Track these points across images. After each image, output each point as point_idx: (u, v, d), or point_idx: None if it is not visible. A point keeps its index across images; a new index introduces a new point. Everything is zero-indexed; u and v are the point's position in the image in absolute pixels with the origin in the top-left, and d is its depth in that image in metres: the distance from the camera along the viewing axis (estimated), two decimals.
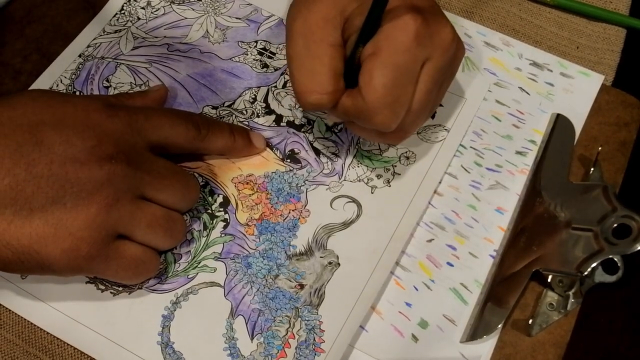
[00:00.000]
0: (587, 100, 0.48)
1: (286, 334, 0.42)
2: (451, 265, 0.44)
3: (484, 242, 0.45)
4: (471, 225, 0.45)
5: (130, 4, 0.52)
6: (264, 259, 0.44)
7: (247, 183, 0.46)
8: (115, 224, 0.37)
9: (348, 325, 0.42)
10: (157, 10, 0.52)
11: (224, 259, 0.44)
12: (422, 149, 0.47)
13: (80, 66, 0.50)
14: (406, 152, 0.47)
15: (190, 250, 0.44)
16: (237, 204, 0.45)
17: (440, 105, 0.48)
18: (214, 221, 0.45)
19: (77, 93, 0.49)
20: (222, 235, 0.44)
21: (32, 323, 0.43)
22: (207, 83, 0.49)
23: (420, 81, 0.39)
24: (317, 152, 0.47)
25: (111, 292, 0.43)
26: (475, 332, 0.42)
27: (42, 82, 0.49)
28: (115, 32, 0.51)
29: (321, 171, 0.46)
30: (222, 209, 0.45)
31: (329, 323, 0.42)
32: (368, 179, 0.46)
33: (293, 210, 0.45)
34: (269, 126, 0.48)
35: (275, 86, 0.49)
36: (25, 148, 0.36)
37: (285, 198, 0.45)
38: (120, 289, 0.43)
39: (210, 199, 0.45)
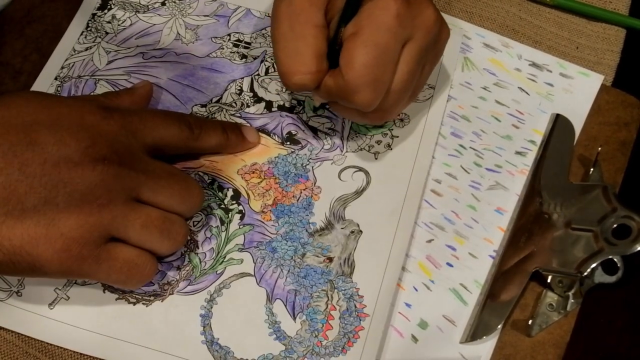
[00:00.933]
0: (587, 101, 0.48)
1: (327, 307, 0.42)
2: (451, 265, 0.44)
3: (484, 243, 0.45)
4: (471, 226, 0.45)
5: (95, 20, 0.51)
6: (287, 241, 0.44)
7: (254, 172, 0.46)
8: (108, 226, 0.37)
9: (385, 285, 0.43)
10: (123, 22, 0.51)
11: (248, 249, 0.44)
12: (413, 110, 0.48)
13: (59, 88, 0.49)
14: (399, 114, 0.48)
15: (213, 247, 0.44)
16: (248, 194, 0.45)
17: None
18: (230, 215, 0.45)
19: None
20: (241, 226, 0.45)
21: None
22: (190, 83, 0.49)
23: (401, 61, 0.39)
24: (314, 130, 0.47)
25: (143, 303, 0.43)
26: (475, 333, 0.42)
27: None
28: (86, 49, 0.50)
29: (322, 147, 0.47)
30: (234, 202, 0.45)
31: (366, 288, 0.43)
32: (369, 147, 0.47)
33: (304, 190, 0.46)
34: (261, 114, 0.48)
35: (258, 74, 0.49)
36: (19, 148, 0.36)
37: (294, 179, 0.46)
38: (152, 298, 0.43)
39: (220, 194, 0.46)
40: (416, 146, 0.47)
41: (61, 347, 0.42)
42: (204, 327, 0.42)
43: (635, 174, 0.45)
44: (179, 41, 0.50)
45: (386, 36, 0.38)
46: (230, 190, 0.46)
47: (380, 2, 0.38)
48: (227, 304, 0.43)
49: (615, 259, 0.42)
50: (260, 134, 0.47)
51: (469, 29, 0.51)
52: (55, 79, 0.49)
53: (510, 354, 0.42)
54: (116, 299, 0.43)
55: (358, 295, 0.43)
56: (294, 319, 0.42)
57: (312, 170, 0.46)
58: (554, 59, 0.50)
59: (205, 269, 0.44)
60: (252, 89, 0.49)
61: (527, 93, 0.49)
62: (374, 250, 0.44)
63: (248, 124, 0.48)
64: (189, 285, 0.43)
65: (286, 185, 0.46)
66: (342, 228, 0.45)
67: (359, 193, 0.45)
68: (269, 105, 0.48)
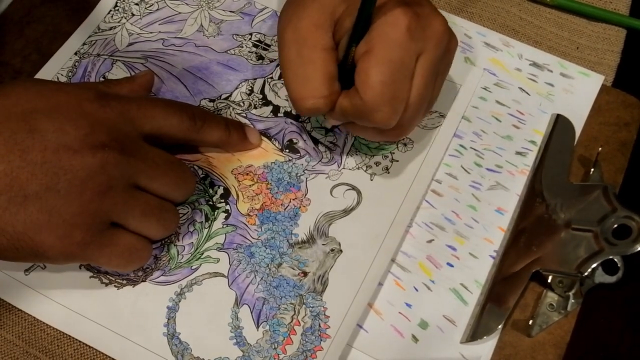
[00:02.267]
0: (587, 101, 0.48)
1: (291, 321, 0.42)
2: (451, 265, 0.44)
3: (484, 243, 0.45)
4: (471, 226, 0.45)
5: (123, 1, 0.52)
6: (266, 248, 0.44)
7: (247, 174, 0.46)
8: (109, 212, 0.37)
9: (352, 310, 0.42)
10: (150, 6, 0.52)
11: (226, 250, 0.44)
12: (419, 136, 0.47)
13: (77, 64, 0.50)
14: (403, 139, 0.47)
15: (192, 242, 0.44)
16: (237, 194, 0.45)
17: None
18: (216, 212, 0.45)
19: None
20: (224, 226, 0.45)
21: (32, 324, 0.43)
22: (203, 76, 0.49)
23: (416, 75, 0.39)
24: (316, 142, 0.47)
25: (115, 286, 0.43)
26: (475, 333, 0.42)
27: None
28: (110, 29, 0.51)
29: (320, 160, 0.47)
30: (223, 200, 0.45)
31: (333, 309, 0.42)
32: (367, 167, 0.46)
33: (294, 200, 0.45)
34: (267, 117, 0.48)
35: (272, 77, 0.49)
36: (19, 135, 0.36)
37: (286, 187, 0.46)
38: (124, 282, 0.43)
39: (211, 190, 0.46)
40: (414, 174, 0.46)
41: (61, 348, 0.42)
42: (168, 319, 0.42)
43: (635, 174, 0.45)
44: (201, 33, 0.51)
45: (400, 52, 0.37)
46: (221, 188, 0.46)
47: (390, 18, 0.37)
48: (195, 301, 0.43)
49: (615, 259, 0.42)
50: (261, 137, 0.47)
51: (469, 28, 0.51)
52: (75, 54, 0.50)
53: (510, 354, 0.42)
54: (90, 277, 0.43)
55: (325, 315, 0.42)
56: (257, 327, 0.42)
57: (306, 181, 0.46)
58: (554, 59, 0.50)
59: (181, 262, 0.44)
60: (262, 91, 0.49)
61: (527, 93, 0.49)
62: (350, 272, 0.43)
63: (252, 125, 0.48)
64: (162, 275, 0.43)
65: (277, 192, 0.45)
66: (323, 244, 0.44)
67: (347, 212, 0.45)
68: (275, 109, 0.48)
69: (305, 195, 0.45)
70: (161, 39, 0.51)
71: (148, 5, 0.52)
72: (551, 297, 0.43)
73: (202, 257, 0.44)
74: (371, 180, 0.46)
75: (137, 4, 0.52)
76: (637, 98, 0.48)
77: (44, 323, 0.43)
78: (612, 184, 0.45)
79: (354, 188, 0.46)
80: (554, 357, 0.42)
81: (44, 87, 0.39)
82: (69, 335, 0.42)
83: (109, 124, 0.38)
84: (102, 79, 0.49)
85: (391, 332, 0.43)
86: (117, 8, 0.52)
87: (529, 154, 0.47)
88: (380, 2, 0.38)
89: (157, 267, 0.44)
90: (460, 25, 0.51)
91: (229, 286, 0.43)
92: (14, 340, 0.43)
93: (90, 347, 0.42)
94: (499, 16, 0.52)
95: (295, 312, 0.42)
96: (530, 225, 0.44)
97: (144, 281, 0.43)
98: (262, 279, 0.43)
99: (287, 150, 0.47)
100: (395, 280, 0.44)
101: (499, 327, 0.42)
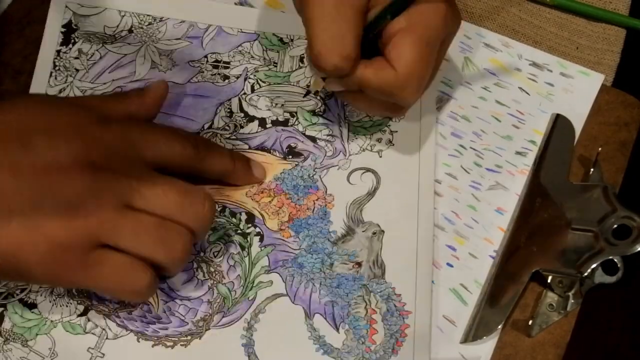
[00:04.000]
0: (587, 101, 0.48)
1: (367, 312, 0.42)
2: (451, 265, 0.44)
3: (484, 243, 0.45)
4: (471, 226, 0.45)
5: (61, 58, 0.48)
6: (312, 254, 0.44)
7: (262, 192, 0.45)
8: (96, 231, 0.36)
9: (420, 275, 0.43)
10: (92, 56, 0.48)
11: (275, 270, 0.43)
12: None
13: None
14: None
15: (239, 274, 0.43)
16: (262, 214, 0.45)
17: None
18: (248, 238, 0.44)
19: None
20: (262, 248, 0.44)
21: None
22: (177, 112, 0.47)
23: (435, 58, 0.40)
24: (313, 139, 0.47)
25: (181, 344, 0.42)
26: (475, 333, 0.42)
27: None
28: (60, 92, 0.47)
29: (325, 155, 0.46)
30: (250, 225, 0.45)
31: (401, 285, 0.43)
32: (371, 146, 0.47)
33: (317, 200, 0.45)
34: (257, 132, 0.47)
35: (245, 92, 0.48)
36: (11, 150, 0.35)
37: (304, 192, 0.45)
38: (189, 337, 0.42)
39: (234, 219, 0.45)
40: (417, 133, 0.47)
41: None
42: (248, 356, 0.42)
43: (635, 174, 0.45)
44: (156, 69, 0.48)
45: (436, 35, 0.38)
46: (243, 214, 0.45)
47: (433, 2, 0.38)
48: (267, 329, 0.42)
49: (615, 259, 0.42)
50: (260, 152, 0.46)
51: (469, 28, 0.51)
52: None
53: (510, 354, 0.42)
54: (152, 346, 0.42)
55: (395, 294, 0.43)
56: (337, 330, 0.42)
57: (320, 179, 0.46)
58: (554, 59, 0.50)
59: (236, 298, 0.43)
60: (241, 109, 0.47)
61: (527, 93, 0.49)
62: (400, 247, 0.44)
63: (246, 145, 0.46)
64: (223, 317, 0.42)
65: (298, 199, 0.45)
66: (363, 231, 0.44)
67: (371, 194, 0.45)
68: (262, 122, 0.47)
69: (326, 192, 0.45)
70: (118, 87, 0.47)
71: (89, 56, 0.48)
72: (551, 297, 0.43)
73: (254, 285, 0.43)
74: (380, 157, 0.46)
75: (77, 58, 0.48)
76: (637, 98, 0.48)
77: None
78: (612, 184, 0.45)
79: (368, 170, 0.46)
80: (554, 357, 0.41)
81: (46, 104, 0.39)
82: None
83: (106, 145, 0.37)
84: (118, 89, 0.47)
85: None
86: (57, 68, 0.48)
87: (529, 154, 0.47)
88: None
89: (215, 312, 0.42)
90: (460, 26, 0.51)
91: (293, 302, 0.43)
92: None
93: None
94: (498, 16, 0.52)
95: (366, 302, 0.43)
96: (530, 225, 0.44)
97: (209, 329, 0.42)
98: (321, 284, 0.43)
99: (290, 157, 0.46)
100: None
101: (499, 327, 0.42)
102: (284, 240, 0.44)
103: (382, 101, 0.41)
